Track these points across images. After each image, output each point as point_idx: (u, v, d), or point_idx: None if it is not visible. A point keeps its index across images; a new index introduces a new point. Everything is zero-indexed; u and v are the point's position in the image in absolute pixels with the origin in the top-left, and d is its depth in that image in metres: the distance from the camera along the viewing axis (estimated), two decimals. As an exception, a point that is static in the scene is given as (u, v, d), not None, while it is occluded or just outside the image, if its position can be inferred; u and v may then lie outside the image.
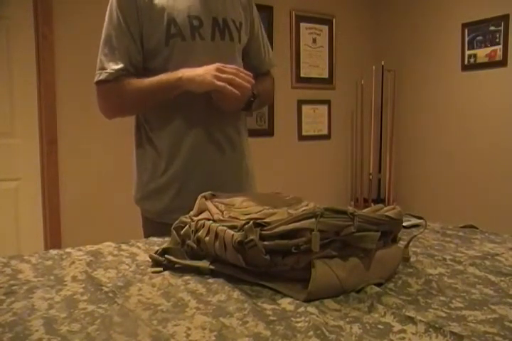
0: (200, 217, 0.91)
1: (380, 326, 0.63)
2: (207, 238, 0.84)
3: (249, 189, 1.45)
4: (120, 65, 1.26)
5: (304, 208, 0.93)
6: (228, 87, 1.17)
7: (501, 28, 3.10)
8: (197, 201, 0.97)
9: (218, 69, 1.19)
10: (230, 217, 0.86)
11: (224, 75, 1.18)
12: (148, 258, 0.94)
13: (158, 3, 1.26)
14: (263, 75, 1.50)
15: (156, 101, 1.29)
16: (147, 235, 1.37)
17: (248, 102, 1.29)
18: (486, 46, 3.20)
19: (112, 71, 1.26)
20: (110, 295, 0.75)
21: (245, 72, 1.24)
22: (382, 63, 3.74)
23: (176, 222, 0.96)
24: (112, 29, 1.28)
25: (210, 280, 0.81)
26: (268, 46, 1.54)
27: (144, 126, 1.38)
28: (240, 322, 0.64)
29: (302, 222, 0.75)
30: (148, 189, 1.38)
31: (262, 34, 1.51)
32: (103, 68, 1.27)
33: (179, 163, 1.32)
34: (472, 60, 3.29)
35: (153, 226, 1.37)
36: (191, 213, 0.96)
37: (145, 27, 1.26)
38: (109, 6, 1.30)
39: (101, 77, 1.27)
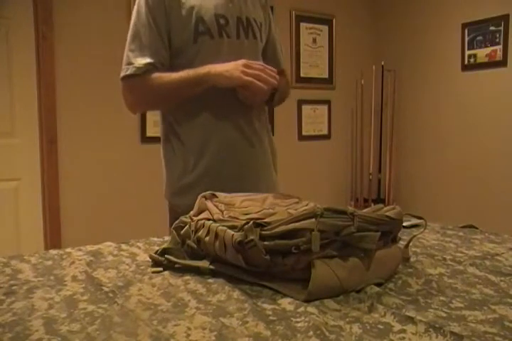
0: (200, 216, 0.91)
1: (380, 326, 0.63)
2: (207, 238, 0.84)
3: (275, 180, 1.50)
4: (148, 60, 1.28)
5: (303, 208, 0.93)
6: (256, 81, 1.21)
7: (501, 28, 3.10)
8: (197, 201, 0.97)
9: (245, 65, 1.23)
10: (230, 216, 0.86)
11: (251, 71, 1.22)
12: (148, 258, 0.94)
13: (186, 2, 1.30)
14: (280, 73, 1.53)
15: (183, 95, 1.31)
16: None
17: (270, 95, 1.33)
18: (486, 46, 3.20)
19: (139, 66, 1.28)
20: (110, 295, 0.75)
21: (271, 68, 1.28)
22: (382, 63, 3.74)
23: (176, 221, 0.96)
24: (140, 26, 1.30)
25: (210, 280, 0.81)
26: (281, 46, 1.59)
27: (170, 122, 1.40)
28: (240, 322, 0.64)
29: (302, 222, 0.75)
30: (179, 184, 1.39)
31: (277, 35, 1.56)
32: (130, 63, 1.29)
33: (209, 158, 1.35)
34: (472, 60, 3.29)
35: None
36: (191, 213, 0.96)
37: (173, 25, 1.29)
38: (136, 4, 1.32)
39: (128, 72, 1.29)
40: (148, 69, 1.28)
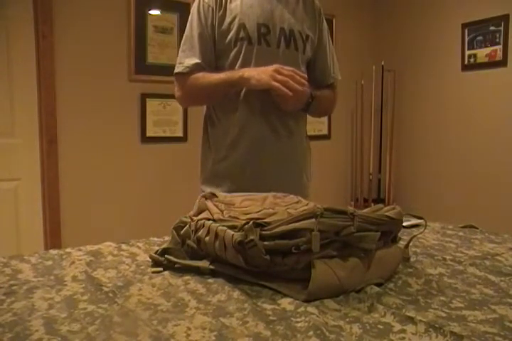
0: (200, 216, 0.91)
1: (380, 326, 0.63)
2: (207, 238, 0.84)
3: (306, 178, 1.56)
4: (195, 61, 1.42)
5: (303, 208, 0.93)
6: (282, 87, 1.27)
7: (501, 28, 3.10)
8: (197, 201, 0.97)
9: (276, 70, 1.30)
10: (230, 216, 0.86)
11: (280, 76, 1.29)
12: (148, 258, 0.94)
13: (232, 10, 1.42)
14: (326, 87, 1.57)
15: (222, 94, 1.43)
16: None
17: (307, 103, 1.40)
18: (486, 46, 3.19)
19: (188, 65, 1.42)
20: (110, 295, 0.75)
21: (301, 74, 1.34)
22: (382, 63, 3.74)
23: (176, 221, 0.96)
24: (191, 31, 1.45)
25: (210, 280, 0.81)
26: (334, 59, 1.61)
27: (210, 116, 1.51)
28: (240, 322, 0.64)
29: (302, 222, 0.75)
30: (211, 174, 1.49)
31: (330, 47, 1.59)
32: (181, 62, 1.45)
33: (241, 150, 1.43)
34: (472, 60, 3.29)
35: None
36: (191, 213, 0.96)
37: (218, 30, 1.42)
38: (191, 11, 1.47)
39: (178, 69, 1.44)
40: (195, 68, 1.41)
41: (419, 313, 0.66)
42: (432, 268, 0.89)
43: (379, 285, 0.77)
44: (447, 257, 0.96)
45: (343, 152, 3.92)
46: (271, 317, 0.66)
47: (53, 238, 2.72)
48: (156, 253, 0.92)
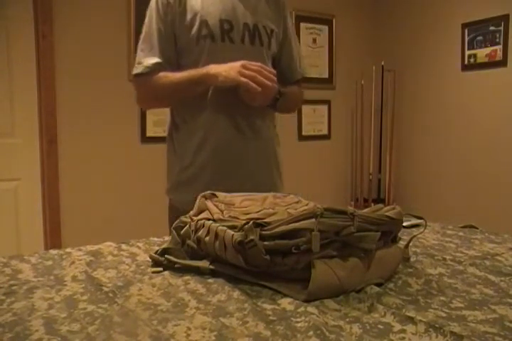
0: (200, 216, 0.91)
1: (380, 326, 0.63)
2: (207, 238, 0.84)
3: (278, 177, 1.52)
4: (155, 60, 1.36)
5: (303, 208, 0.93)
6: (251, 83, 1.24)
7: (501, 28, 3.10)
8: (197, 201, 0.97)
9: (243, 66, 1.27)
10: (230, 216, 0.86)
11: (247, 72, 1.25)
12: (148, 258, 0.94)
13: (192, 7, 1.36)
14: (293, 84, 1.54)
15: (186, 94, 1.38)
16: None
17: (274, 99, 1.35)
18: (486, 46, 3.19)
19: (147, 65, 1.36)
20: (110, 295, 0.75)
21: (269, 69, 1.31)
22: (382, 63, 3.74)
23: (176, 221, 0.96)
24: (149, 28, 1.39)
25: (210, 280, 0.81)
26: (300, 55, 1.59)
27: (175, 120, 1.46)
28: (240, 322, 0.64)
29: (302, 222, 0.75)
30: (177, 180, 1.45)
31: (295, 42, 1.57)
32: (140, 62, 1.38)
33: (206, 155, 1.39)
34: (472, 60, 3.29)
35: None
36: (191, 213, 0.96)
37: (179, 27, 1.36)
38: (149, 8, 1.41)
39: (137, 70, 1.38)
40: (156, 68, 1.35)
41: (419, 313, 0.66)
42: (432, 268, 0.89)
43: (379, 285, 0.77)
44: (447, 257, 0.96)
45: (343, 152, 3.92)
46: (271, 317, 0.66)
47: (53, 238, 2.72)
48: (156, 253, 0.92)
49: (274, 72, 1.32)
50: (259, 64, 1.29)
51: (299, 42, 3.55)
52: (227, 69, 1.27)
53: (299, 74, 1.57)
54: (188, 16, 1.35)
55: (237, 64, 1.27)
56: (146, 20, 1.40)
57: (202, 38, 1.35)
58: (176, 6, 1.35)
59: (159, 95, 1.41)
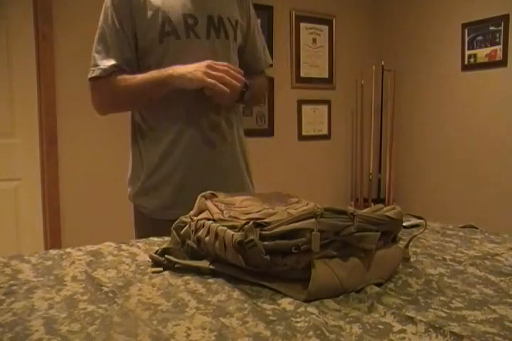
0: (200, 216, 0.91)
1: (380, 326, 0.63)
2: (207, 238, 0.84)
3: (249, 181, 1.47)
4: (113, 62, 1.27)
5: (303, 208, 0.93)
6: (218, 84, 1.19)
7: (501, 28, 3.10)
8: (197, 201, 0.97)
9: (209, 66, 1.21)
10: (230, 216, 0.86)
11: (214, 73, 1.20)
12: (148, 258, 0.94)
13: (152, 3, 1.28)
14: (257, 74, 1.50)
15: (148, 97, 1.30)
16: (140, 232, 1.38)
17: (241, 93, 1.29)
18: (486, 46, 3.20)
19: (104, 67, 1.28)
20: (110, 295, 0.75)
21: (236, 68, 1.26)
22: (382, 63, 3.74)
23: (176, 221, 0.96)
24: (105, 27, 1.30)
25: (210, 280, 0.81)
26: (264, 45, 1.54)
27: (138, 124, 1.41)
28: (240, 322, 0.64)
29: (302, 222, 0.75)
30: (144, 185, 1.40)
31: (258, 32, 1.51)
32: (96, 65, 1.29)
33: (172, 160, 1.34)
34: (472, 60, 3.29)
35: (149, 223, 1.38)
36: (191, 213, 0.96)
37: (139, 26, 1.28)
38: (104, 5, 1.33)
39: (94, 74, 1.29)
40: (113, 71, 1.28)
41: (419, 313, 0.66)
42: (432, 268, 0.89)
43: (379, 285, 0.77)
44: (447, 257, 0.96)
45: (343, 152, 3.92)
46: (271, 317, 0.66)
47: (53, 238, 2.73)
48: (156, 253, 0.92)
49: (241, 71, 1.27)
50: (225, 63, 1.24)
51: (299, 42, 3.58)
52: (192, 71, 1.21)
53: (263, 64, 1.53)
54: (149, 13, 1.27)
55: (203, 64, 1.21)
56: (101, 18, 1.32)
57: (165, 35, 1.27)
58: (134, 2, 1.27)
59: (118, 99, 1.34)
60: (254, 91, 1.36)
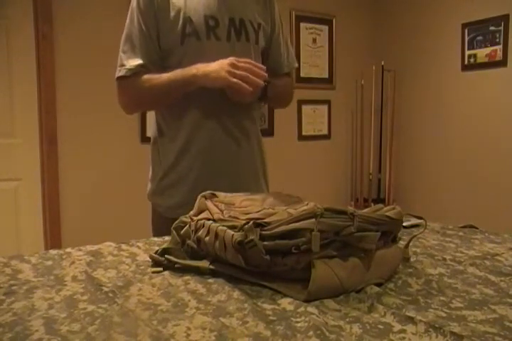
0: (200, 216, 0.91)
1: (380, 326, 0.63)
2: (207, 238, 0.84)
3: (264, 181, 1.48)
4: (138, 62, 1.29)
5: (303, 208, 0.93)
6: (242, 84, 1.19)
7: (501, 28, 3.10)
8: (197, 201, 0.97)
9: (232, 65, 1.21)
10: (230, 216, 0.86)
11: (238, 72, 1.20)
12: (148, 258, 0.94)
13: (175, 3, 1.30)
14: (282, 75, 1.50)
15: (173, 96, 1.32)
16: (155, 231, 1.38)
17: (263, 90, 1.28)
18: (486, 46, 3.20)
19: (130, 67, 1.30)
20: (110, 295, 0.75)
21: (258, 65, 1.25)
22: (382, 63, 3.74)
23: (176, 221, 0.96)
24: (131, 28, 1.32)
25: (210, 280, 0.81)
26: (289, 48, 1.54)
27: (159, 122, 1.41)
28: (240, 322, 0.64)
29: (302, 222, 0.75)
30: (161, 184, 1.40)
31: (283, 35, 1.51)
32: (122, 65, 1.31)
33: (189, 158, 1.34)
34: (472, 60, 3.29)
35: (164, 222, 1.38)
36: (191, 213, 0.96)
37: (162, 27, 1.30)
38: (130, 7, 1.35)
39: (120, 73, 1.31)
40: (140, 70, 1.29)
41: (419, 313, 0.66)
42: (432, 268, 0.89)
43: (379, 285, 0.77)
44: (447, 257, 0.96)
45: (343, 152, 3.92)
46: (271, 317, 0.66)
47: (53, 238, 2.73)
48: (156, 253, 0.92)
49: (264, 67, 1.26)
50: (248, 60, 1.24)
51: (299, 42, 3.58)
52: (215, 70, 1.21)
53: (286, 67, 1.53)
54: (172, 13, 1.28)
55: (226, 62, 1.21)
56: (128, 19, 1.34)
57: (186, 36, 1.29)
58: (158, 2, 1.29)
59: (144, 99, 1.35)
60: (276, 87, 1.35)
